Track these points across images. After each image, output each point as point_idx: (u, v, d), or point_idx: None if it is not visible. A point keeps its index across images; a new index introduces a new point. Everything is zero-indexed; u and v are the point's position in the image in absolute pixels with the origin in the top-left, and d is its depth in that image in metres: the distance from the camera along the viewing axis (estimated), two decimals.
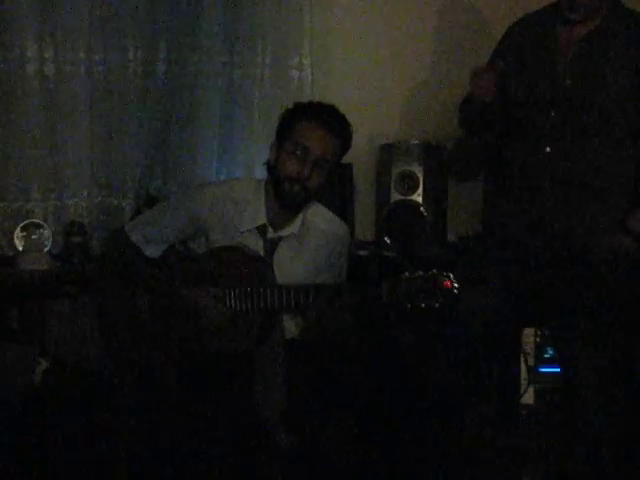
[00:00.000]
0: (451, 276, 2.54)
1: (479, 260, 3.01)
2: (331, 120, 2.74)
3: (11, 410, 3.05)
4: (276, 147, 2.78)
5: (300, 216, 2.82)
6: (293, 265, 2.80)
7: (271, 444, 2.65)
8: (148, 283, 2.77)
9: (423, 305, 2.55)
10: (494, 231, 3.02)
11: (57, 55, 3.67)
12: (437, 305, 2.55)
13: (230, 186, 2.89)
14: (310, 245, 2.84)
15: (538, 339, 3.46)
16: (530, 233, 2.82)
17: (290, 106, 2.84)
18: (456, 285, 2.53)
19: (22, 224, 3.65)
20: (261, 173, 3.80)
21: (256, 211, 2.80)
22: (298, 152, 2.70)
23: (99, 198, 3.80)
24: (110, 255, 2.96)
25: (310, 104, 2.85)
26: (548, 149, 2.79)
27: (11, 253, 3.65)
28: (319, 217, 2.87)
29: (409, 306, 2.56)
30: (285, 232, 2.81)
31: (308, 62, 3.86)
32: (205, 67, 3.81)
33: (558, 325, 2.89)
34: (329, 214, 2.91)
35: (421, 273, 2.56)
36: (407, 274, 2.57)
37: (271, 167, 2.79)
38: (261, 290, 2.64)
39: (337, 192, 3.83)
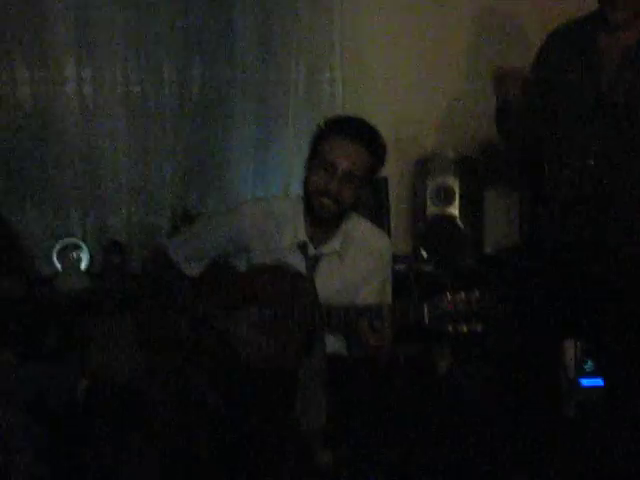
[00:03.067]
0: (494, 296, 2.50)
1: (517, 273, 2.99)
2: (357, 133, 2.70)
3: (54, 429, 3.07)
4: (308, 164, 2.78)
5: (341, 231, 2.80)
6: (335, 281, 2.77)
7: (311, 461, 2.64)
8: (187, 307, 2.78)
9: (465, 329, 2.52)
10: (534, 243, 2.98)
11: (95, 75, 3.75)
12: (479, 329, 2.51)
13: (269, 203, 2.88)
14: (351, 259, 2.81)
15: (578, 352, 3.42)
16: (570, 249, 2.79)
17: (321, 123, 2.82)
18: (499, 307, 2.51)
19: (61, 243, 3.70)
20: (298, 188, 3.84)
21: (296, 228, 2.78)
22: (326, 168, 2.69)
23: (137, 216, 3.85)
24: (150, 274, 2.98)
25: (337, 119, 2.83)
26: (592, 162, 2.76)
27: (50, 272, 3.69)
28: (359, 230, 2.84)
29: (450, 329, 2.53)
30: (326, 249, 2.79)
31: (339, 77, 3.88)
32: (238, 84, 3.85)
33: (597, 337, 2.86)
34: (369, 226, 2.89)
35: (463, 295, 2.52)
36: (449, 295, 2.53)
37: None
38: (302, 310, 2.64)
39: (373, 206, 3.84)
